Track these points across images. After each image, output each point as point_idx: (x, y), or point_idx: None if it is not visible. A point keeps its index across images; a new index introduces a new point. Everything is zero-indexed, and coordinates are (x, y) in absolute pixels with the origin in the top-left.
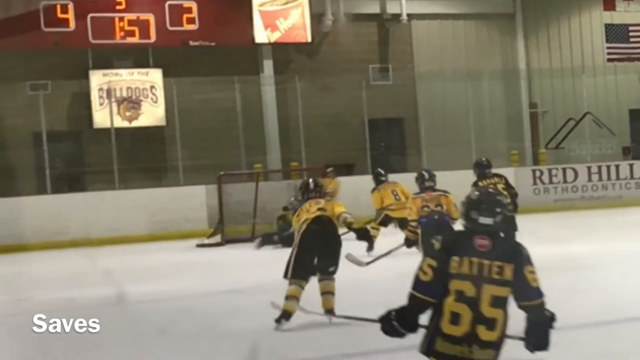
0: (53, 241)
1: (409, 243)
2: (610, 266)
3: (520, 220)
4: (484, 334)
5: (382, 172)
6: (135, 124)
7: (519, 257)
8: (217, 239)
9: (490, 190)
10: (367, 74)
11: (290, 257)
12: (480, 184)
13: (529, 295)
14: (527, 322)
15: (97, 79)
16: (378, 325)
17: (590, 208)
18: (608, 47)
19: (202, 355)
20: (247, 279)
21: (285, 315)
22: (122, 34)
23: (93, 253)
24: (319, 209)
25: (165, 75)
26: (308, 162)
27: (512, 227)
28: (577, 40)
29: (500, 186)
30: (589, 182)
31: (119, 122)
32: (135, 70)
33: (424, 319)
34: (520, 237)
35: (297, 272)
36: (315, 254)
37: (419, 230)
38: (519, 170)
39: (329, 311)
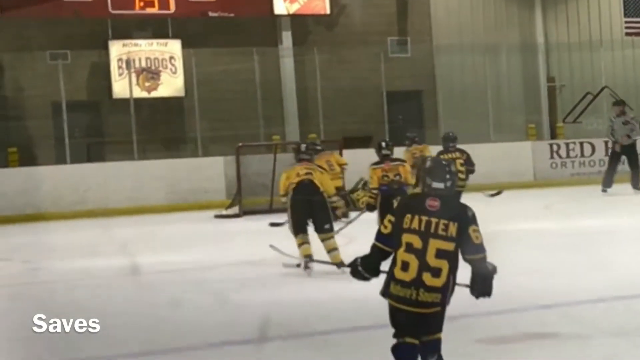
0: (71, 211)
1: (369, 208)
2: (625, 241)
3: (537, 194)
4: (429, 280)
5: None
6: (154, 94)
7: (464, 217)
8: (235, 210)
9: (443, 160)
10: (386, 46)
11: (289, 219)
12: (442, 156)
13: (472, 250)
14: (472, 273)
15: (117, 49)
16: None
17: None
18: (626, 22)
19: (215, 326)
20: (263, 250)
21: (307, 258)
22: (142, 4)
23: (111, 223)
24: (306, 173)
25: (184, 46)
26: (326, 134)
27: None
28: (596, 14)
29: (459, 161)
30: (606, 156)
31: (138, 93)
32: (155, 41)
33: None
34: (537, 210)
35: (298, 230)
36: (306, 216)
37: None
38: (536, 144)
39: (340, 264)
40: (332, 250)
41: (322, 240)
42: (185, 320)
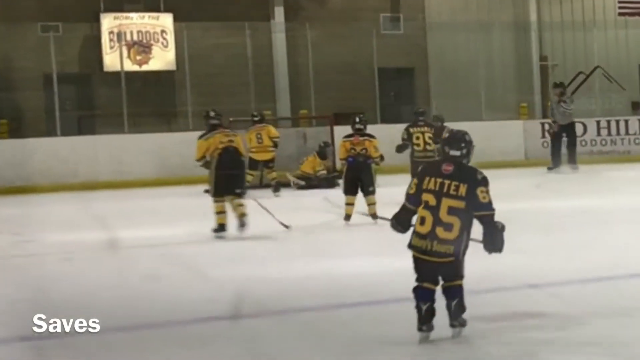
0: (61, 183)
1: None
2: (616, 221)
3: (529, 173)
4: (441, 233)
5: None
6: (145, 67)
7: (473, 180)
8: None
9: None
10: (378, 23)
11: (211, 181)
12: (410, 130)
13: (479, 208)
14: (483, 230)
15: (108, 22)
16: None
17: (599, 162)
18: (620, 2)
19: (196, 301)
20: (249, 226)
21: (221, 227)
22: None
23: (100, 196)
24: (229, 140)
25: (176, 19)
26: (317, 110)
27: None
28: None
29: (427, 135)
30: (597, 136)
31: (129, 66)
32: (146, 14)
33: None
34: (528, 189)
35: (218, 192)
36: (227, 179)
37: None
38: (528, 123)
39: (242, 223)
40: (238, 205)
41: (231, 200)
42: (167, 295)
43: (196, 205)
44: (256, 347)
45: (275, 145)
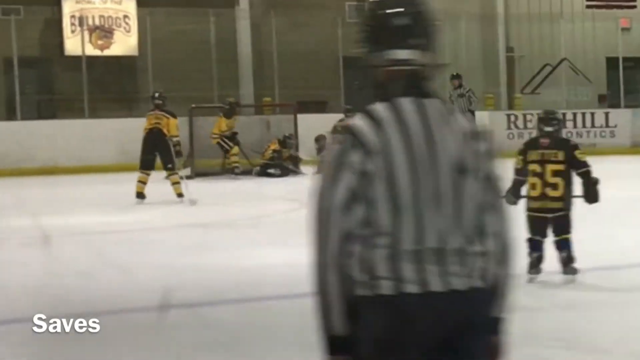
0: (19, 167)
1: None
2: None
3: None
4: (551, 192)
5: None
6: (107, 52)
7: (567, 146)
8: (187, 172)
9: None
10: (344, 11)
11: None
12: (341, 122)
13: (578, 166)
14: (582, 185)
15: (70, 5)
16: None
17: None
18: None
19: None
20: (210, 213)
21: (140, 195)
22: None
23: (59, 181)
24: (156, 123)
25: (139, 4)
26: (281, 98)
27: None
28: None
29: None
30: (563, 128)
31: (91, 51)
32: None
33: None
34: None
35: (143, 165)
36: (153, 155)
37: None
38: (494, 114)
39: (180, 195)
40: (174, 183)
41: (167, 177)
42: (123, 282)
43: (158, 192)
44: (212, 334)
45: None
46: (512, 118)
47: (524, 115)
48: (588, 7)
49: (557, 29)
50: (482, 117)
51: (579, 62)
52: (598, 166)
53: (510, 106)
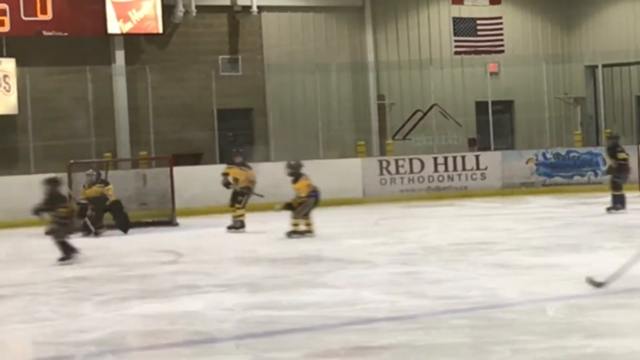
0: None
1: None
2: (452, 257)
3: (366, 210)
4: None
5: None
6: None
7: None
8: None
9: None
10: (217, 65)
11: None
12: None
13: None
14: None
15: None
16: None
17: (437, 199)
18: (456, 40)
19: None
20: (81, 269)
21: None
22: None
23: None
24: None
25: (19, 64)
26: (157, 152)
27: None
28: (426, 33)
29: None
30: (435, 172)
31: None
32: None
33: None
34: (366, 227)
35: None
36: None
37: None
38: (366, 161)
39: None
40: None
41: None
42: None
43: (37, 246)
44: None
45: None
46: (384, 164)
47: (396, 161)
48: (457, 53)
49: (427, 75)
50: (355, 164)
51: (449, 107)
52: (464, 211)
53: (382, 152)
